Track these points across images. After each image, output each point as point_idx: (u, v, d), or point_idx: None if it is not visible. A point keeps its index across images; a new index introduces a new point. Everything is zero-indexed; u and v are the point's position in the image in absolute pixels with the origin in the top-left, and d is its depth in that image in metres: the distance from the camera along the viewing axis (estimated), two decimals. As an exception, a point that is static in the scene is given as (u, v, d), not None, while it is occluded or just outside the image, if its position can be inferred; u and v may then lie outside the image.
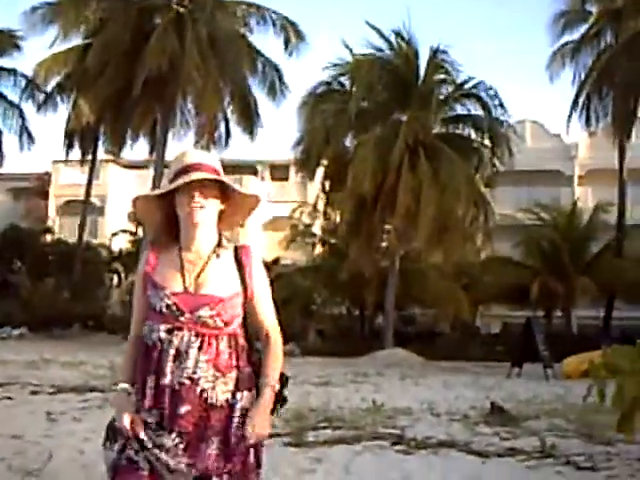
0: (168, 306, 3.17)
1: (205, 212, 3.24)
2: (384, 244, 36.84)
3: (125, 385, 3.25)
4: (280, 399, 3.34)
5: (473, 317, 40.93)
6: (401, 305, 38.03)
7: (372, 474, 7.35)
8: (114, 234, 46.53)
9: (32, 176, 55.41)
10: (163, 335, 3.15)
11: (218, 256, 3.29)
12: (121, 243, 45.65)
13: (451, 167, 31.91)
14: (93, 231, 49.42)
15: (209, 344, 3.16)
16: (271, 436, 8.91)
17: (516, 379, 22.91)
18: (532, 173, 46.72)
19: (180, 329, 3.15)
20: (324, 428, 10.22)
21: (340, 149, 35.74)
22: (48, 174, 54.99)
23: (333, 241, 40.14)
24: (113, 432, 3.22)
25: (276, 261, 43.02)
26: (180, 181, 3.22)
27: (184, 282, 3.21)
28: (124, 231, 45.59)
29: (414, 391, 17.29)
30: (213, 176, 3.25)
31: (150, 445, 3.10)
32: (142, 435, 3.11)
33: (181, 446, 3.09)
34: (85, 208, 44.20)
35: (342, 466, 7.78)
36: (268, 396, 3.24)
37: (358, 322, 40.85)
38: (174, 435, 3.09)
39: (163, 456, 3.09)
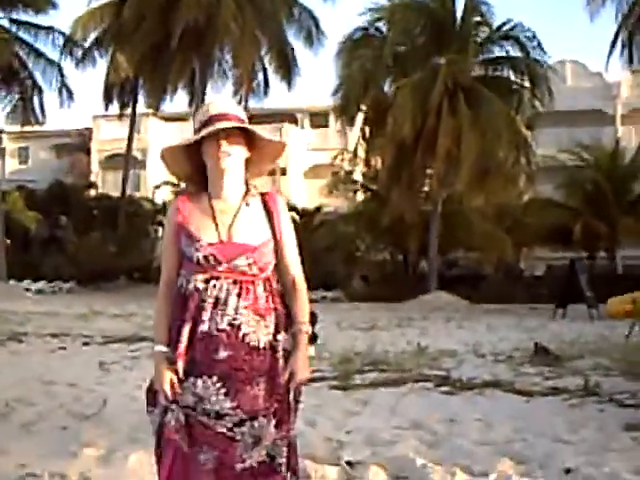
0: (205, 257, 3.24)
1: (232, 159, 3.30)
2: (426, 188, 36.77)
3: (161, 347, 3.30)
4: (311, 338, 3.44)
5: (517, 259, 40.84)
6: (445, 249, 37.99)
7: (417, 415, 7.48)
8: (157, 187, 46.71)
9: (74, 132, 55.90)
10: (200, 285, 3.23)
11: (248, 204, 3.36)
12: (164, 195, 45.85)
13: (491, 109, 31.68)
14: (136, 184, 49.81)
15: (247, 290, 3.24)
16: (315, 380, 9.19)
17: (560, 320, 22.99)
18: (573, 113, 46.14)
19: (217, 278, 3.24)
20: (370, 371, 10.41)
21: (379, 95, 35.55)
22: (89, 129, 55.40)
23: (374, 187, 40.05)
24: (153, 395, 3.32)
25: (318, 209, 43.13)
26: (205, 131, 3.29)
27: (218, 232, 3.29)
28: (166, 183, 45.60)
29: (459, 334, 17.46)
30: (238, 124, 3.31)
31: (191, 401, 3.20)
32: (182, 395, 3.20)
33: (222, 390, 3.18)
34: (127, 162, 44.51)
35: (388, 408, 7.94)
36: (304, 341, 3.31)
37: (402, 267, 40.92)
38: (215, 379, 3.18)
39: (207, 406, 3.19)
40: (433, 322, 21.27)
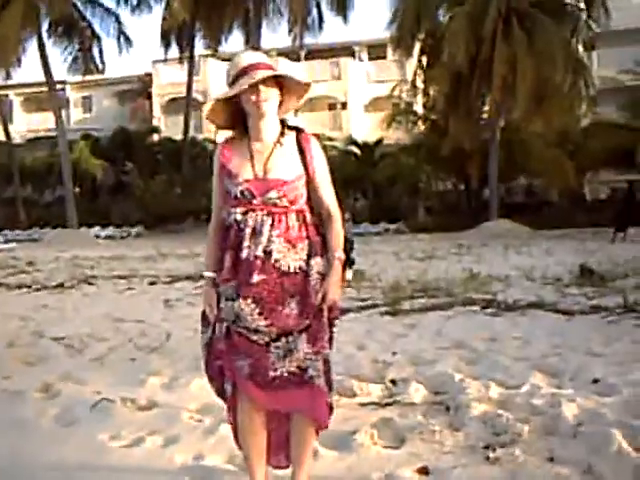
0: (242, 192, 3.70)
1: (269, 104, 3.73)
2: (484, 116, 36.64)
3: (209, 273, 3.81)
4: (348, 262, 3.88)
5: (580, 184, 40.47)
6: (506, 176, 37.88)
7: (460, 335, 7.95)
8: (219, 127, 47.09)
9: (134, 78, 56.46)
10: (239, 217, 3.70)
11: (282, 144, 3.79)
12: (226, 135, 45.97)
13: (546, 33, 31.27)
14: (198, 126, 50.13)
15: (279, 221, 3.69)
16: (368, 307, 9.70)
17: (621, 243, 23.00)
18: (638, 31, 44.86)
19: (253, 210, 3.69)
20: (420, 297, 10.86)
21: (434, 24, 35.43)
22: (149, 75, 55.83)
23: (434, 117, 39.96)
24: (205, 319, 3.87)
25: (379, 142, 43.19)
26: (245, 81, 3.68)
27: (254, 169, 3.73)
28: (228, 123, 45.90)
29: (515, 259, 17.73)
30: (274, 72, 3.72)
31: (232, 318, 3.69)
32: (225, 313, 3.71)
33: (257, 310, 3.65)
34: (188, 105, 44.96)
35: (433, 330, 8.42)
36: (336, 265, 3.76)
37: (464, 197, 40.96)
38: (249, 301, 3.65)
39: (245, 323, 3.67)
40: (491, 249, 21.51)
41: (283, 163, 3.76)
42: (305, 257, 3.72)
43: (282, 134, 3.82)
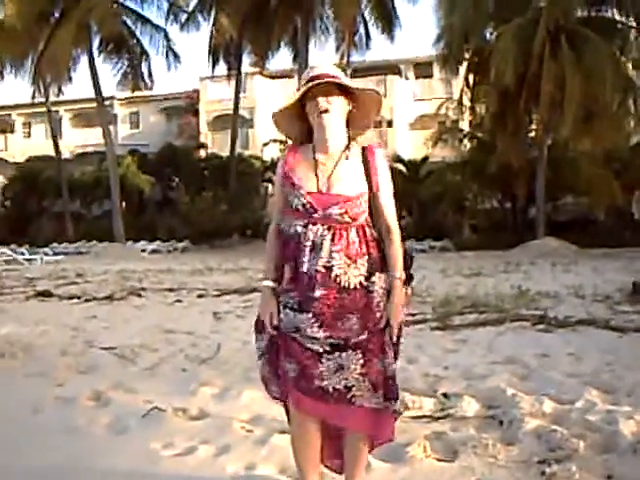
0: (304, 205, 3.66)
1: (330, 115, 3.67)
2: (531, 134, 36.45)
3: (269, 282, 3.79)
4: (407, 278, 3.84)
5: (628, 202, 40.09)
6: (553, 195, 37.65)
7: (511, 351, 7.89)
8: (265, 144, 47.32)
9: (182, 95, 56.97)
10: (300, 229, 3.66)
11: (347, 158, 3.74)
12: (272, 152, 46.30)
13: (594, 52, 31.03)
14: (244, 143, 50.39)
15: (340, 236, 3.64)
16: (418, 322, 9.65)
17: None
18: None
19: (314, 224, 3.65)
20: (470, 313, 10.81)
21: (481, 42, 35.37)
22: (197, 91, 56.27)
23: (480, 135, 39.84)
24: (261, 326, 3.85)
25: (425, 159, 43.14)
26: (303, 89, 3.67)
27: (317, 183, 3.69)
28: (275, 140, 45.99)
29: (563, 277, 17.57)
30: (326, 79, 3.65)
31: (291, 329, 3.68)
32: (281, 325, 3.71)
33: (317, 324, 3.63)
34: (235, 121, 45.24)
35: (484, 345, 8.37)
36: (398, 287, 3.74)
37: (510, 215, 40.73)
38: (310, 315, 3.62)
39: (301, 333, 3.65)
40: (539, 267, 21.35)
41: (347, 178, 3.71)
42: (365, 273, 3.67)
43: (348, 147, 3.77)
